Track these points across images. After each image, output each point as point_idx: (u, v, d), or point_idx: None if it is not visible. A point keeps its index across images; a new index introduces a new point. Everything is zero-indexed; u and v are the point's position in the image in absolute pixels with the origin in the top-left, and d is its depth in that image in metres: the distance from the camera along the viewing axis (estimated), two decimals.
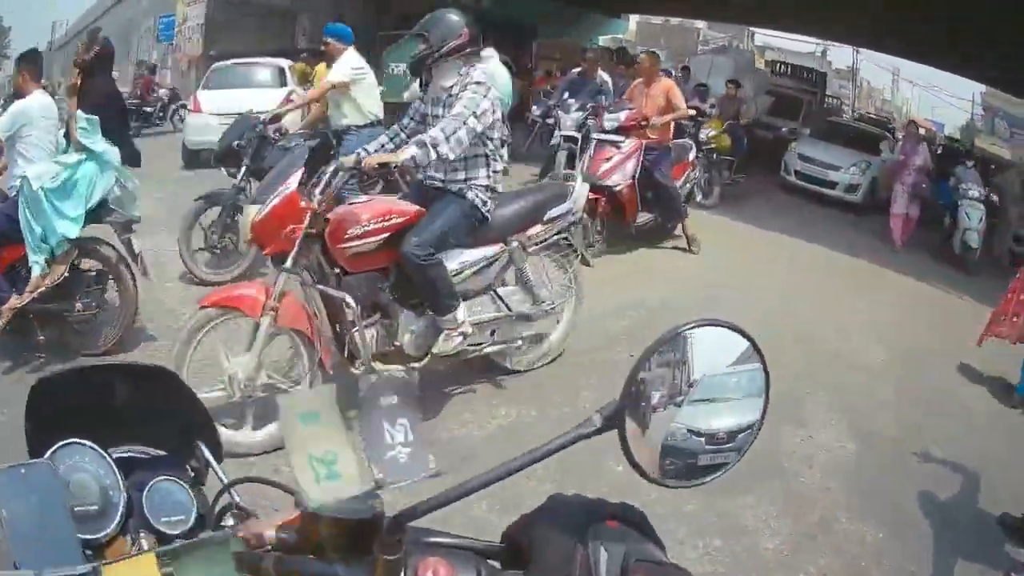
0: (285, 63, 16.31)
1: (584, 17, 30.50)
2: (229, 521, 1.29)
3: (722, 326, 1.13)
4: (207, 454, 1.42)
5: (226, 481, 1.31)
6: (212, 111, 13.78)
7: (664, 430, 1.10)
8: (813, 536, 4.54)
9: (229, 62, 16.39)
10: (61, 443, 1.35)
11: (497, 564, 1.13)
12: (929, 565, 4.53)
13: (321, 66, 14.42)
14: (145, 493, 1.39)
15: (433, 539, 1.13)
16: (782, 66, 34.72)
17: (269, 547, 1.09)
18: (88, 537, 1.24)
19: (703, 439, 1.13)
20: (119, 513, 1.33)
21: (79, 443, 1.37)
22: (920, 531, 4.81)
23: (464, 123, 4.85)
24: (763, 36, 43.15)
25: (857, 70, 49.49)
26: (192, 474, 1.50)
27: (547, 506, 1.14)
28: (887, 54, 41.05)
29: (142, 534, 1.32)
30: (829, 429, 5.92)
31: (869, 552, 4.51)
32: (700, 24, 45.41)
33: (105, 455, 1.39)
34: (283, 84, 15.38)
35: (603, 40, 33.00)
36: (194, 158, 13.56)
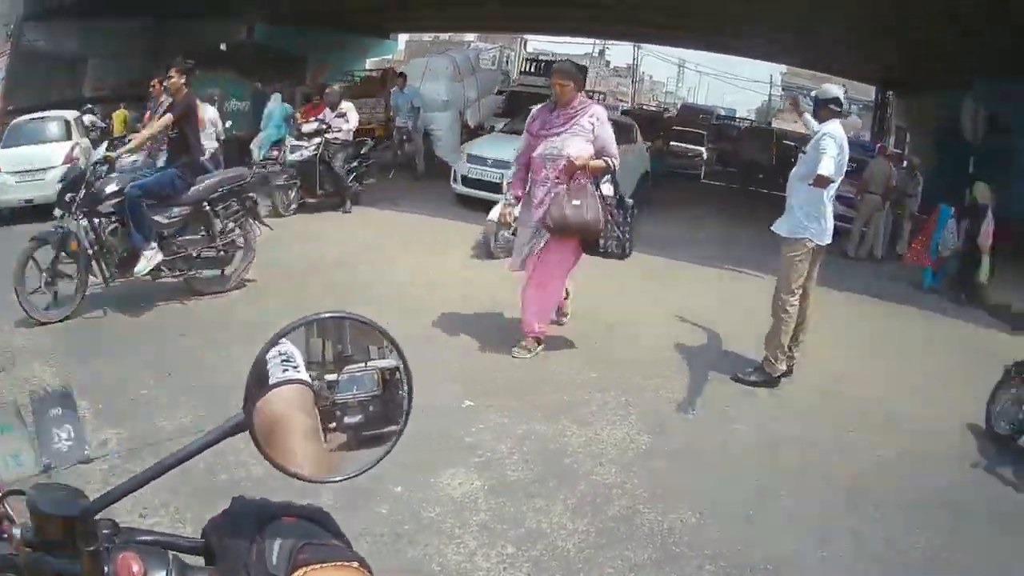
0: (71, 115, 16.01)
1: (353, 42, 30.69)
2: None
3: (357, 320, 1.21)
4: None
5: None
6: (9, 170, 13.75)
7: (315, 413, 1.17)
8: (614, 530, 4.45)
9: (26, 118, 15.94)
10: None
11: (200, 560, 1.18)
12: (760, 536, 4.55)
13: (118, 113, 18.48)
14: None
15: (138, 537, 1.16)
16: (532, 64, 35.76)
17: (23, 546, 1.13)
18: None
19: (363, 418, 1.21)
20: None
21: None
22: (741, 509, 4.84)
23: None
24: (536, 42, 44.06)
25: (637, 66, 51.29)
26: None
27: (231, 508, 1.19)
28: (670, 46, 42.61)
29: None
30: (617, 425, 5.93)
31: (683, 537, 4.45)
32: (470, 37, 46.09)
33: None
34: (68, 137, 15.10)
35: (371, 63, 33.83)
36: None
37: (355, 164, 14.37)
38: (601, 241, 6.92)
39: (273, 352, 1.15)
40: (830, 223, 6.98)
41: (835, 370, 7.68)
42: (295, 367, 1.16)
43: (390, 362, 1.21)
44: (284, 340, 1.16)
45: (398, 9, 28.51)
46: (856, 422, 6.46)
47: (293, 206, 13.07)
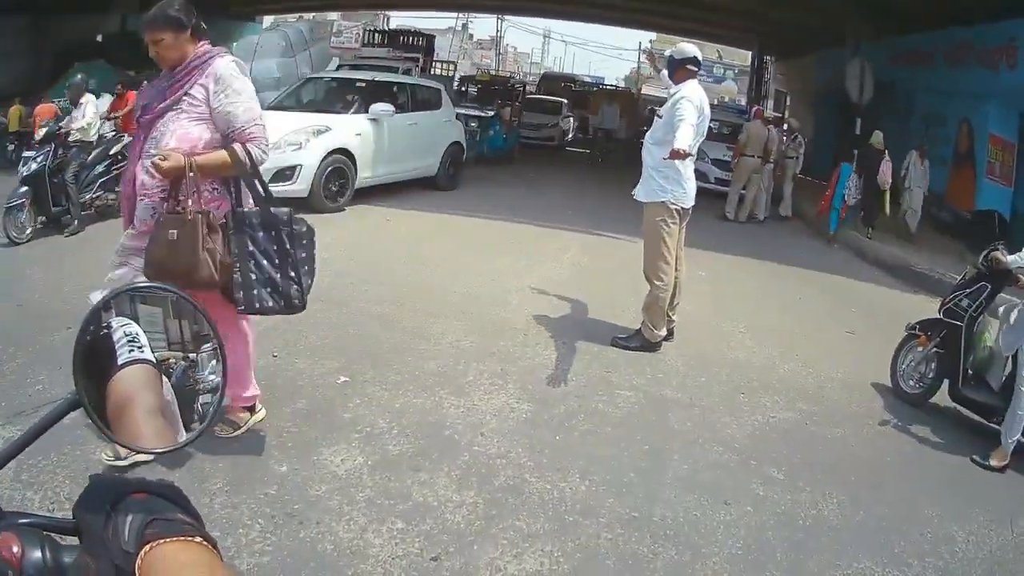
0: None
1: (220, 26, 29.95)
2: None
3: (165, 290, 1.28)
4: None
5: None
6: None
7: (160, 391, 1.25)
8: (503, 501, 4.40)
9: None
10: None
11: (74, 539, 1.17)
12: (655, 501, 4.54)
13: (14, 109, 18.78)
14: None
15: (19, 520, 1.18)
16: (374, 35, 35.22)
17: None
18: None
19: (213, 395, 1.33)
20: None
21: None
22: (632, 474, 4.80)
23: None
24: (400, 18, 43.88)
25: (501, 38, 51.56)
26: None
27: (88, 486, 1.19)
28: (534, 16, 42.87)
29: None
30: (495, 394, 5.87)
31: (575, 505, 4.42)
32: (334, 16, 45.83)
33: None
34: None
35: (237, 45, 33.06)
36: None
37: (97, 171, 11.33)
38: (241, 293, 4.25)
39: (119, 334, 1.21)
40: (691, 185, 6.97)
41: (721, 332, 7.75)
42: (140, 347, 1.23)
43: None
44: (128, 321, 1.23)
45: None
46: (746, 385, 6.48)
47: (28, 230, 9.75)
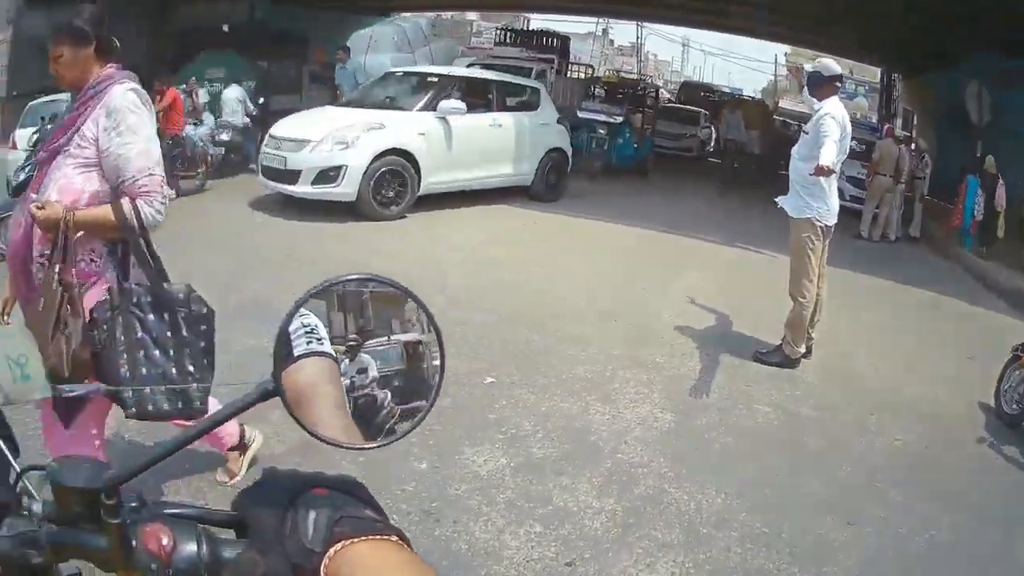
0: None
1: (355, 21, 30.15)
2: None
3: (385, 283, 1.18)
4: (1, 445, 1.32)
5: (18, 469, 1.24)
6: (23, 147, 13.53)
7: (342, 386, 1.17)
8: (641, 510, 4.46)
9: (40, 100, 16.33)
10: None
11: (231, 532, 1.15)
12: (785, 518, 4.56)
13: None
14: None
15: (166, 509, 1.15)
16: (507, 35, 33.45)
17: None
18: None
19: (388, 394, 1.20)
20: None
21: None
22: (766, 490, 4.87)
23: None
24: (540, 20, 43.38)
25: (642, 44, 51.20)
26: None
27: (261, 479, 1.15)
28: (674, 25, 42.42)
29: None
30: (641, 403, 5.96)
31: (710, 518, 4.46)
32: (473, 16, 45.80)
33: None
34: None
35: (351, 39, 32.99)
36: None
37: None
38: (129, 392, 3.23)
39: (296, 324, 1.14)
40: (835, 202, 6.93)
41: (853, 352, 7.69)
42: (319, 339, 1.17)
43: (414, 335, 1.21)
44: (307, 312, 1.15)
45: None
46: (875, 406, 6.46)
47: None
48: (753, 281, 9.84)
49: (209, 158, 13.94)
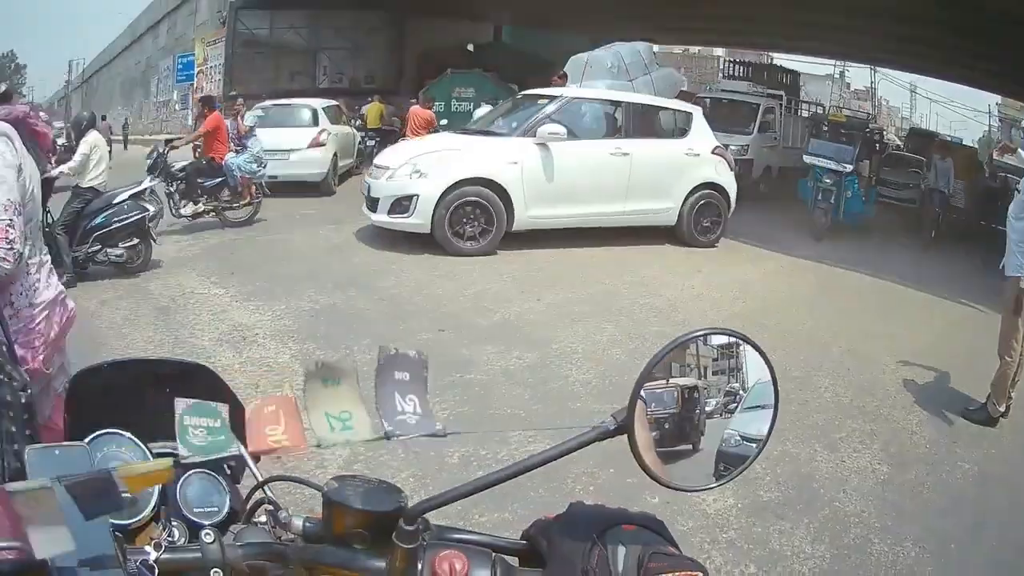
0: (318, 104, 19.01)
1: (570, 43, 30.03)
2: (261, 517, 1.31)
3: (733, 336, 1.22)
4: (243, 452, 1.37)
5: (260, 479, 1.34)
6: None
7: (715, 437, 1.25)
8: (846, 558, 4.76)
9: (269, 103, 18.65)
10: (100, 432, 1.43)
11: (515, 561, 1.22)
12: (967, 574, 4.81)
13: (372, 106, 20.78)
14: (179, 485, 1.41)
15: (454, 535, 1.21)
16: (737, 67, 32.97)
17: (294, 537, 1.19)
18: (119, 522, 1.23)
19: (754, 444, 1.26)
20: (152, 502, 1.38)
21: (118, 433, 1.46)
22: (956, 547, 5.04)
23: None
24: (781, 59, 42.63)
25: (875, 89, 49.66)
26: (228, 471, 1.53)
27: (568, 512, 1.22)
28: (902, 70, 41.09)
29: (173, 522, 1.29)
30: (862, 453, 6.28)
31: (901, 571, 4.72)
32: (720, 51, 45.65)
33: (142, 446, 1.47)
34: (316, 123, 18.10)
35: (568, 65, 32.16)
36: None
37: (96, 222, 9.98)
38: None
39: None
40: None
41: None
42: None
43: (690, 380, 1.22)
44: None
45: (643, 19, 26.82)
46: None
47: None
48: (971, 337, 9.66)
49: (253, 188, 13.80)
